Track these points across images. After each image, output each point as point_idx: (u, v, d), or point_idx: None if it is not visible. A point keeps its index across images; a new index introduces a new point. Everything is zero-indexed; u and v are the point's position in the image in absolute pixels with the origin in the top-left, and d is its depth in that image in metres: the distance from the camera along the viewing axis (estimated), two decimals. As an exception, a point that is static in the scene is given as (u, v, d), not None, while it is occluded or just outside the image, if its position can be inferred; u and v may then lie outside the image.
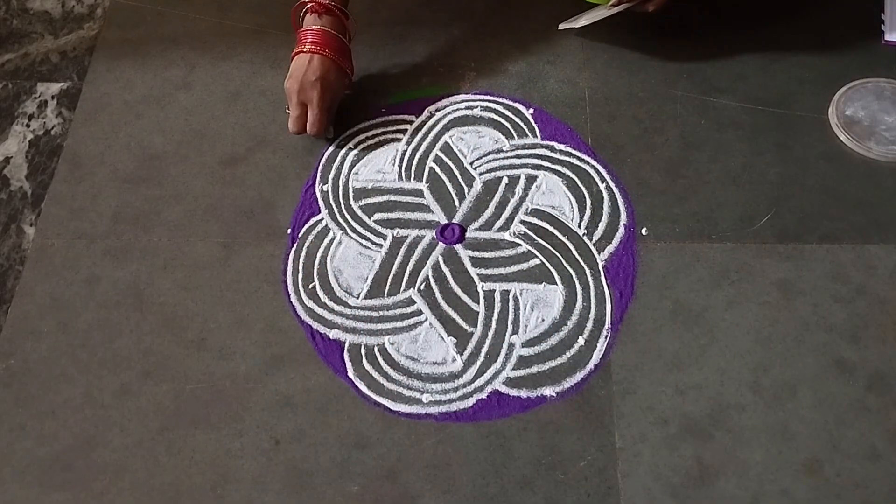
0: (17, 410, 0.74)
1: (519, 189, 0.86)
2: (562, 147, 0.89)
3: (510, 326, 0.78)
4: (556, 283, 0.80)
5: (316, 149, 0.89)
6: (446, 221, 0.84)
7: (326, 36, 0.86)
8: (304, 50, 0.86)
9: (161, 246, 0.84)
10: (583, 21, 0.95)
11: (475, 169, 0.88)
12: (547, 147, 0.89)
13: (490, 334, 0.77)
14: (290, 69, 0.87)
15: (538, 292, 0.80)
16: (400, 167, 0.88)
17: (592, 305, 0.78)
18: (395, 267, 0.81)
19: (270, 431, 0.73)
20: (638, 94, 0.93)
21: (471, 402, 0.74)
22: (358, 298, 0.80)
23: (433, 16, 1.00)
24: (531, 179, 0.87)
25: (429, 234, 0.83)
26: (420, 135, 0.90)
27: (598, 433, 0.72)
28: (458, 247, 0.83)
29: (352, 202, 0.86)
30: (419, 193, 0.86)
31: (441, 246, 0.83)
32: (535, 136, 0.90)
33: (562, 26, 0.97)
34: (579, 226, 0.83)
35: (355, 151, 0.89)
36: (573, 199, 0.85)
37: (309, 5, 0.86)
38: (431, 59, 0.96)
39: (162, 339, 0.78)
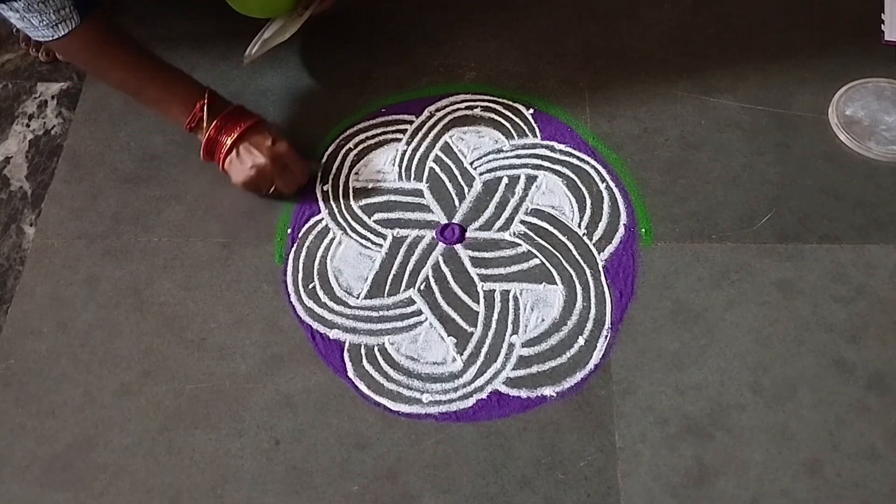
0: (17, 410, 0.74)
1: (519, 189, 0.86)
2: (562, 147, 0.89)
3: (510, 326, 0.78)
4: (556, 283, 0.80)
5: (316, 150, 0.90)
6: (446, 221, 0.84)
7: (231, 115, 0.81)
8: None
9: (161, 246, 0.83)
10: (262, 45, 0.88)
11: (475, 169, 0.88)
12: (547, 147, 0.89)
13: (490, 334, 0.77)
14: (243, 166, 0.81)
15: (538, 292, 0.79)
16: (400, 167, 0.88)
17: (592, 305, 0.78)
18: (395, 267, 0.81)
19: (270, 431, 0.72)
20: (638, 94, 0.92)
21: (471, 402, 0.74)
22: (358, 298, 0.80)
23: (433, 16, 1.00)
24: (531, 179, 0.87)
25: (429, 234, 0.83)
26: (420, 135, 0.90)
27: (598, 433, 0.72)
28: (458, 247, 0.83)
29: (352, 202, 0.86)
30: (419, 193, 0.86)
31: (441, 246, 0.83)
32: (535, 136, 0.90)
33: (247, 61, 0.89)
34: (579, 226, 0.83)
35: (355, 151, 0.89)
36: (573, 199, 0.85)
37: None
38: (431, 59, 0.96)
39: (162, 339, 0.78)
